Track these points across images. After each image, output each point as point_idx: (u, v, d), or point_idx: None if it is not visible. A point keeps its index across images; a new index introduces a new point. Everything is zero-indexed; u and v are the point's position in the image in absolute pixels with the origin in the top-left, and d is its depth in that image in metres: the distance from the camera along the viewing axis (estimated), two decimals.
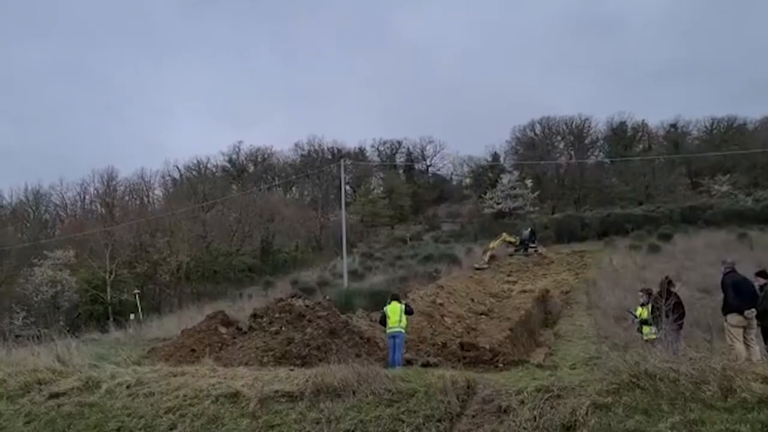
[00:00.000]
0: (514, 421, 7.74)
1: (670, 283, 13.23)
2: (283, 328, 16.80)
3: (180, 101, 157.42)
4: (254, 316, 18.54)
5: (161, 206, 74.39)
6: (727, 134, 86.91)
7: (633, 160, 78.52)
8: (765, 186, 69.59)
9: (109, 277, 45.32)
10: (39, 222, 75.71)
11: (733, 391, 6.92)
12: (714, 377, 7.16)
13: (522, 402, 8.01)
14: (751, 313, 11.66)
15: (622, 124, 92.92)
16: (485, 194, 79.18)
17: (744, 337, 11.71)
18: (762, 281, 12.33)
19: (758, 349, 11.68)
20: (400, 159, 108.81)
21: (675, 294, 12.84)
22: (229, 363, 14.10)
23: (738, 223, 50.24)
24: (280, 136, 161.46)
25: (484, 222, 76.65)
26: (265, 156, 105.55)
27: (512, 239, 51.12)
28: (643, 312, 13.56)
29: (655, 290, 13.43)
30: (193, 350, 17.17)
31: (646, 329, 13.32)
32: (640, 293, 14.21)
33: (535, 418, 7.62)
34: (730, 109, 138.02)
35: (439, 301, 25.33)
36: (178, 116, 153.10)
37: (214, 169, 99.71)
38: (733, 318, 11.79)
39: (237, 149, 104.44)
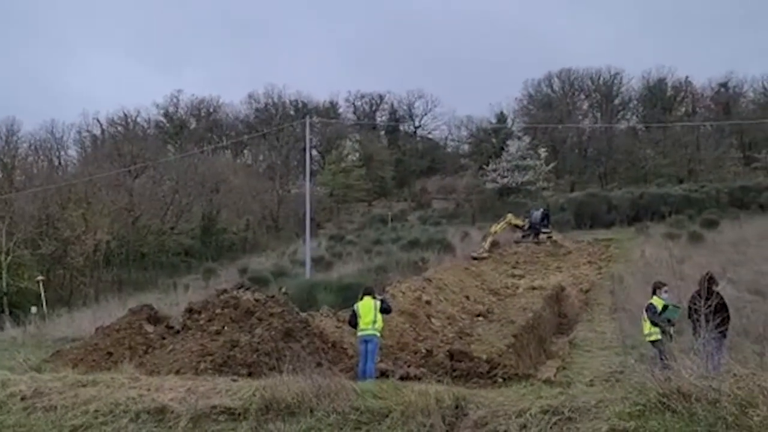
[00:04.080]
0: None
1: (711, 280, 13.33)
2: (225, 328, 16.71)
3: (83, 29, 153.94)
4: (190, 311, 18.42)
5: (76, 170, 73.72)
6: None
7: (673, 127, 79.00)
8: None
9: (5, 259, 44.81)
10: None
11: None
12: (763, 399, 7.17)
13: (524, 426, 8.01)
14: None
15: (661, 81, 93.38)
16: (487, 165, 79.30)
17: None
18: None
19: None
20: (381, 118, 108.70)
21: (718, 294, 12.92)
22: (155, 370, 14.04)
23: None
24: (229, 85, 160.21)
25: (484, 200, 76.91)
26: (211, 109, 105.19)
27: (519, 222, 51.22)
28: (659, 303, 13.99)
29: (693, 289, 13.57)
30: (110, 354, 17.04)
31: (648, 328, 13.68)
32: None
33: None
34: None
35: (425, 297, 25.38)
36: (83, 50, 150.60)
37: (145, 125, 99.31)
38: None
39: (175, 100, 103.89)
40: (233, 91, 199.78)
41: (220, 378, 11.72)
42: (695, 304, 12.01)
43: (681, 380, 7.73)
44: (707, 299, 11.64)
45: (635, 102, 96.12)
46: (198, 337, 16.61)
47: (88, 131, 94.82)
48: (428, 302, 25.04)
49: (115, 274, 54.45)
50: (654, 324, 13.63)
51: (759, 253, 31.07)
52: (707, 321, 10.25)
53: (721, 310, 12.32)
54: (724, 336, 12.22)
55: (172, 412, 9.37)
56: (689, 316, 12.80)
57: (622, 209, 60.85)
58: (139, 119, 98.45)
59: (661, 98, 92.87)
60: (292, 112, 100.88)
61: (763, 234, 39.15)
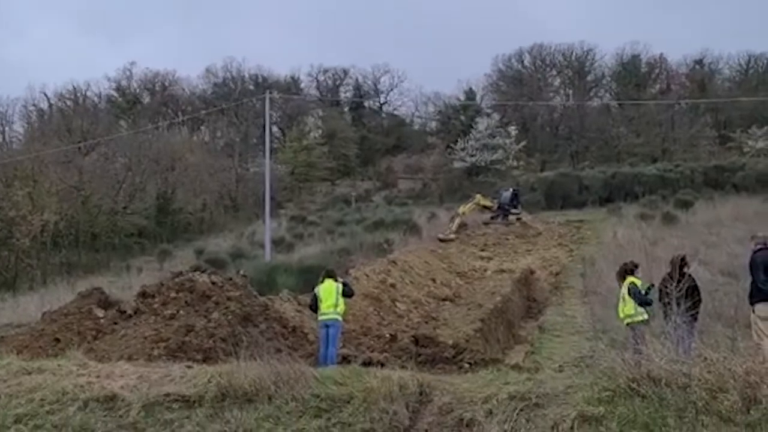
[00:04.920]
0: None
1: (683, 261, 13.45)
2: (180, 312, 16.61)
3: None
4: (143, 295, 18.26)
5: (22, 146, 72.71)
6: (766, 75, 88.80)
7: (647, 105, 79.60)
8: None
9: None
10: None
11: (758, 402, 7.05)
12: (734, 384, 7.28)
13: (490, 413, 8.05)
14: None
15: (635, 57, 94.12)
16: (455, 143, 79.49)
17: None
18: None
19: None
20: (345, 93, 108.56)
21: (689, 276, 13.05)
22: (106, 357, 13.89)
23: None
24: (186, 58, 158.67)
25: (452, 179, 77.16)
26: (166, 84, 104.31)
27: (488, 203, 51.51)
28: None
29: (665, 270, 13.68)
30: (57, 340, 16.82)
31: (632, 308, 13.69)
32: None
33: None
34: None
35: (390, 281, 25.47)
36: (27, 18, 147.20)
37: (96, 100, 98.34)
38: (764, 308, 12.00)
39: (128, 74, 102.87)
40: (190, 64, 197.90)
41: (174, 364, 11.61)
42: (666, 286, 12.12)
43: (651, 365, 7.82)
44: (678, 281, 11.77)
45: (608, 79, 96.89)
46: (151, 322, 16.48)
47: (34, 105, 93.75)
48: (393, 285, 25.12)
49: (63, 257, 53.71)
50: (641, 304, 13.60)
51: (733, 234, 31.51)
52: (678, 304, 10.37)
53: (692, 292, 12.46)
54: (695, 319, 12.35)
55: (123, 400, 9.28)
56: (660, 299, 12.91)
57: (594, 189, 61.46)
58: (89, 93, 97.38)
59: (635, 75, 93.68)
60: (251, 87, 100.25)
61: (737, 215, 39.75)
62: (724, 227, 35.83)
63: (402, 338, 17.34)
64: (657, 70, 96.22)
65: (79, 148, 61.10)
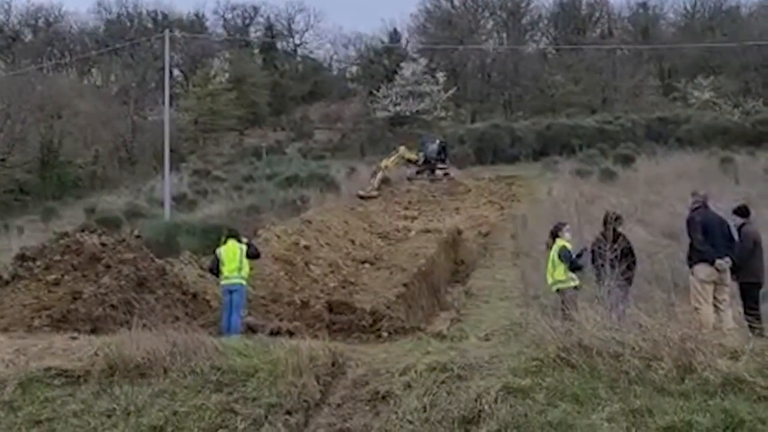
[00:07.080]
0: (395, 413, 7.81)
1: (617, 220, 13.55)
2: (66, 277, 16.33)
3: None
4: (22, 258, 17.86)
5: None
6: (713, 21, 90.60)
7: (587, 50, 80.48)
8: (759, 94, 73.18)
9: None
10: None
11: (692, 370, 7.25)
12: (669, 351, 7.47)
13: (408, 386, 8.12)
14: (725, 263, 12.04)
15: None
16: (378, 90, 79.16)
17: (714, 297, 12.20)
18: (740, 221, 12.68)
19: (730, 313, 12.19)
20: (255, 34, 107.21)
21: (623, 237, 13.25)
22: None
23: (721, 143, 52.95)
24: None
25: (374, 130, 77.11)
26: (50, 19, 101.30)
27: (413, 156, 51.61)
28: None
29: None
30: None
31: (562, 274, 13.77)
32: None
33: (424, 407, 7.72)
34: None
35: (304, 242, 25.40)
36: None
37: None
38: (702, 270, 12.18)
39: (6, 7, 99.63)
40: None
41: (57, 336, 11.49)
42: (600, 247, 12.25)
43: (582, 333, 7.96)
44: (613, 242, 11.91)
45: (546, 22, 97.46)
46: (32, 289, 16.17)
47: None
48: (307, 247, 25.07)
49: None
50: (574, 269, 13.66)
51: (676, 192, 31.97)
52: (612, 266, 10.54)
53: (627, 254, 12.60)
54: (630, 283, 12.47)
55: None
56: (593, 262, 13.01)
57: (528, 142, 62.07)
58: None
59: (574, 17, 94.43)
60: (149, 25, 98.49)
61: (680, 171, 40.43)
62: (666, 184, 36.45)
63: (315, 305, 17.32)
64: (598, 13, 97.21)
65: None
